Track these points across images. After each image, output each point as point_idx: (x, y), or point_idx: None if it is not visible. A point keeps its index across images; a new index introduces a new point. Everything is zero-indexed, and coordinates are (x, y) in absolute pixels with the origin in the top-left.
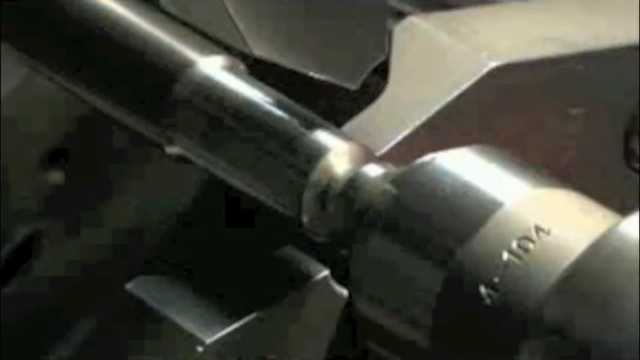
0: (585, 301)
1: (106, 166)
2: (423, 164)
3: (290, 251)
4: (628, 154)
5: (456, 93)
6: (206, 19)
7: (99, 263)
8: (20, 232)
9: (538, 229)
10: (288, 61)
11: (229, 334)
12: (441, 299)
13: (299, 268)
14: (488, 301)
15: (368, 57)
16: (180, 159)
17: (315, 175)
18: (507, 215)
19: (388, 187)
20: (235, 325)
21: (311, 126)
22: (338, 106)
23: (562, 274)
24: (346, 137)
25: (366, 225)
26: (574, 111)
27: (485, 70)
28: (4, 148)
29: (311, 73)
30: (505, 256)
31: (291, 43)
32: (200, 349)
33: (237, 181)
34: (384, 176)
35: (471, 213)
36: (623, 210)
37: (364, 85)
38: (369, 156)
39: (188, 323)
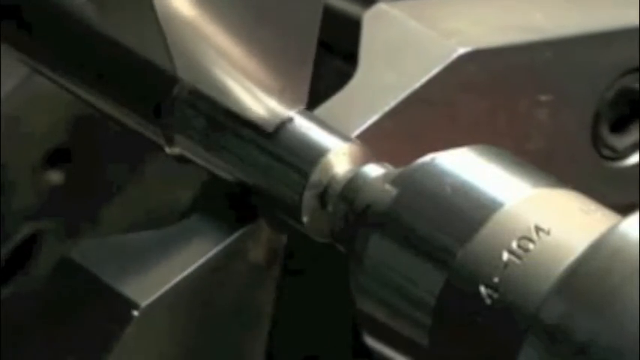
0: (585, 301)
1: (106, 166)
2: (423, 164)
3: (220, 202)
4: (596, 141)
5: (424, 79)
6: (138, 39)
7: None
8: (20, 232)
9: (538, 229)
10: (211, 90)
11: (165, 295)
12: (441, 299)
13: (231, 217)
14: (488, 301)
15: (286, 105)
16: (181, 158)
17: (315, 176)
18: (507, 215)
19: (388, 187)
20: (170, 284)
21: (310, 126)
22: (308, 92)
23: (562, 274)
24: (346, 137)
25: (366, 225)
26: (542, 97)
27: (453, 57)
28: (4, 148)
29: (230, 107)
30: (505, 256)
31: (216, 75)
32: (135, 313)
33: (237, 181)
34: (384, 176)
35: (471, 213)
36: (592, 197)
37: (333, 71)
38: (368, 156)
39: (122, 286)
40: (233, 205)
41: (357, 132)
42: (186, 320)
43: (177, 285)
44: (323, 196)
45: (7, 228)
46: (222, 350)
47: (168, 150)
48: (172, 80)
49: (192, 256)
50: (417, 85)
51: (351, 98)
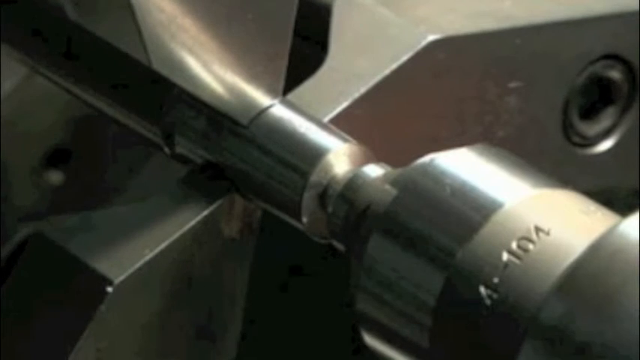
0: (585, 301)
1: (106, 166)
2: (422, 164)
3: (195, 174)
4: (566, 128)
5: (394, 66)
6: (114, 31)
7: None
8: (20, 232)
9: (538, 229)
10: (184, 82)
11: (139, 270)
12: (441, 299)
13: (204, 192)
14: (488, 302)
15: (261, 97)
16: (180, 159)
17: (315, 176)
18: (507, 216)
19: (388, 187)
20: (144, 260)
21: (310, 126)
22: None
23: (562, 275)
24: (345, 138)
25: (366, 225)
26: (512, 84)
27: (423, 44)
28: (4, 148)
29: (203, 99)
30: (505, 256)
31: (191, 67)
32: (109, 289)
33: (236, 181)
34: (384, 177)
35: (470, 213)
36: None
37: (304, 57)
38: (368, 156)
39: (96, 262)
40: (206, 179)
41: (327, 118)
42: (160, 296)
43: (151, 260)
44: (323, 196)
45: (7, 228)
46: (198, 325)
47: (167, 150)
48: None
49: (165, 231)
50: (386, 71)
51: (321, 85)
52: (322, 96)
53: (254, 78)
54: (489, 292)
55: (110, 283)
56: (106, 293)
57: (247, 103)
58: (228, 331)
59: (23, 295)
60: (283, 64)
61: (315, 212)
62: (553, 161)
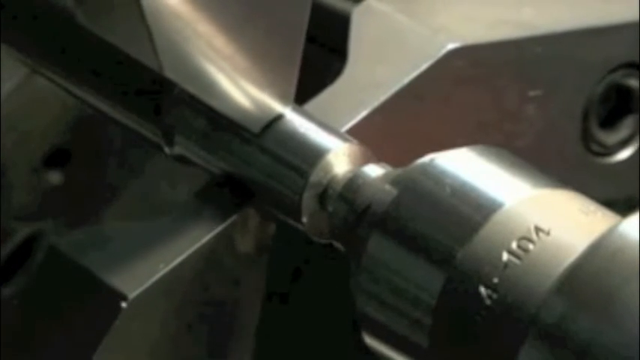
0: (585, 301)
1: (106, 166)
2: (422, 164)
3: (210, 188)
4: (585, 137)
5: (413, 74)
6: (125, 37)
7: None
8: (20, 233)
9: (538, 229)
10: (196, 90)
11: (153, 286)
12: (440, 299)
13: (220, 205)
14: (488, 302)
15: (272, 105)
16: (181, 159)
17: (315, 176)
18: (507, 216)
19: (388, 187)
20: (158, 275)
21: (310, 126)
22: (297, 87)
23: (562, 275)
24: (346, 138)
25: (366, 225)
26: (532, 93)
27: (442, 52)
28: (3, 148)
29: (217, 107)
30: (505, 256)
31: (202, 75)
32: (124, 304)
33: (237, 181)
34: (384, 177)
35: (470, 213)
36: (582, 193)
37: (323, 66)
38: (368, 156)
39: (111, 277)
40: (221, 193)
41: (346, 127)
42: (174, 311)
43: (165, 276)
44: (323, 196)
45: (6, 228)
46: (211, 341)
47: (168, 150)
48: (171, 81)
49: (180, 247)
50: (406, 80)
51: (340, 94)
52: (341, 105)
53: (266, 85)
54: (489, 292)
55: (125, 299)
56: (121, 308)
57: (259, 111)
58: (242, 346)
59: (37, 310)
60: (295, 70)
61: (315, 212)
62: (572, 170)
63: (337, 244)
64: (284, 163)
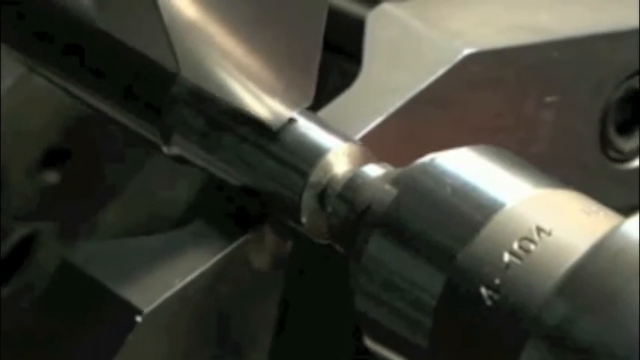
0: (587, 302)
1: (104, 166)
2: (423, 164)
3: (224, 207)
4: (603, 143)
5: (429, 80)
6: (141, 37)
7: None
8: (17, 233)
9: (539, 229)
10: (215, 89)
11: (168, 300)
12: (441, 300)
13: (236, 223)
14: (489, 303)
15: (293, 101)
16: (179, 159)
17: (314, 176)
18: (508, 216)
19: (388, 187)
20: (174, 290)
21: (310, 125)
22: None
23: (564, 276)
24: (345, 137)
25: (366, 225)
26: (548, 99)
27: (458, 57)
28: (1, 147)
29: (236, 104)
30: (506, 257)
31: (221, 73)
32: (139, 318)
33: (236, 181)
34: (384, 176)
35: (471, 213)
36: (599, 200)
37: (337, 71)
38: (368, 156)
39: (125, 291)
40: (237, 210)
41: (361, 133)
42: (189, 326)
43: (180, 291)
44: (322, 196)
45: (3, 228)
46: (224, 357)
47: (166, 150)
48: (171, 79)
49: (195, 262)
50: (422, 86)
51: (355, 99)
52: (356, 111)
53: (285, 83)
54: (490, 292)
55: (139, 313)
56: (135, 322)
57: (278, 109)
58: None
59: (49, 323)
60: (315, 67)
61: (315, 212)
62: (589, 176)
63: (337, 245)
64: (283, 163)
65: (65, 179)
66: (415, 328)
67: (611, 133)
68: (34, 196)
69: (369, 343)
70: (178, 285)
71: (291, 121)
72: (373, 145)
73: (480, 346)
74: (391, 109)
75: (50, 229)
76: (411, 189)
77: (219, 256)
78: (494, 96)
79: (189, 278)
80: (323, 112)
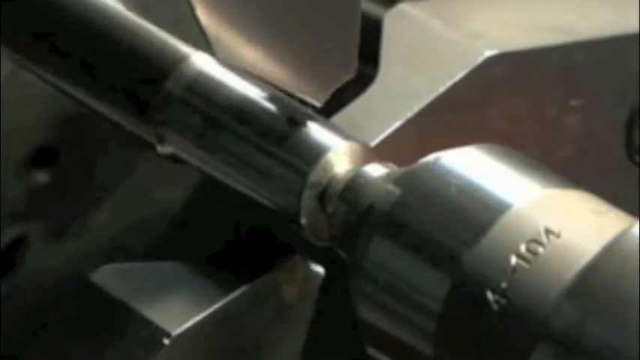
0: (597, 307)
1: (95, 165)
2: (427, 163)
3: (257, 230)
4: (629, 148)
5: (449, 83)
6: (171, 20)
7: (88, 268)
8: (6, 234)
9: (548, 231)
10: (252, 69)
11: (197, 325)
12: (446, 305)
13: (269, 249)
14: (495, 307)
15: (335, 74)
16: (173, 158)
17: (315, 175)
18: (516, 217)
19: (391, 187)
20: (203, 314)
21: (310, 124)
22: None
23: (573, 279)
24: (346, 135)
25: (368, 227)
26: (573, 102)
27: (480, 60)
28: None
29: (275, 84)
30: (513, 260)
31: (256, 50)
32: (166, 341)
33: (233, 181)
34: (387, 176)
35: (477, 214)
36: (624, 205)
37: (356, 74)
38: (370, 155)
39: (152, 313)
40: (269, 240)
41: (378, 139)
42: (214, 351)
43: (209, 317)
44: (322, 196)
45: None
46: None
47: (160, 149)
48: (165, 74)
49: (226, 288)
50: (441, 89)
51: (371, 103)
52: (373, 115)
53: (325, 56)
54: (497, 297)
55: (168, 336)
56: (163, 345)
57: (320, 84)
58: None
59: (72, 344)
60: (355, 36)
61: (314, 213)
62: (614, 182)
63: (337, 248)
64: (282, 162)
65: (55, 179)
66: (419, 334)
67: (637, 137)
68: (23, 196)
69: (371, 350)
70: (207, 310)
71: (291, 119)
72: (390, 151)
73: (486, 351)
74: (409, 114)
75: (40, 230)
76: (415, 189)
77: (250, 284)
78: (517, 99)
79: (219, 304)
80: (338, 117)
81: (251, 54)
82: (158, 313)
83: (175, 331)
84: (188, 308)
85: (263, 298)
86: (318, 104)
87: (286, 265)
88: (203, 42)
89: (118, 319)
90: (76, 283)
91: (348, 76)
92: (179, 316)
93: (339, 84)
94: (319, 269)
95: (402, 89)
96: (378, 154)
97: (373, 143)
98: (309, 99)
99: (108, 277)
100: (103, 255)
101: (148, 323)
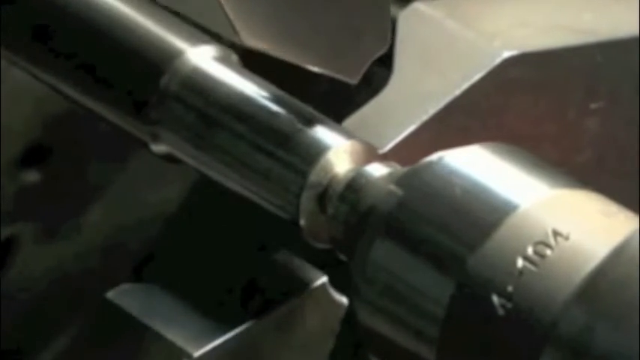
0: (607, 311)
1: (87, 164)
2: (430, 163)
3: (285, 256)
4: None
5: (465, 86)
6: (195, 7)
7: (79, 270)
8: None
9: (556, 233)
10: (281, 52)
11: (219, 347)
12: (449, 310)
13: (295, 275)
14: (501, 312)
15: (368, 49)
16: (168, 157)
17: (314, 175)
18: (522, 218)
19: (393, 187)
20: (225, 337)
21: (309, 122)
22: (337, 100)
23: (582, 282)
24: (347, 134)
25: (369, 229)
26: (593, 105)
27: (497, 61)
28: None
29: (307, 66)
30: (520, 262)
31: (285, 32)
32: None
33: (230, 181)
34: (389, 176)
35: (482, 216)
36: None
37: (366, 76)
38: (372, 154)
39: (173, 334)
40: (298, 264)
41: (392, 143)
42: None
43: (231, 338)
44: (322, 197)
45: None
46: None
47: (154, 148)
48: (159, 70)
49: (246, 313)
50: (457, 92)
51: (385, 106)
52: (386, 119)
53: (357, 33)
54: (503, 301)
55: (189, 357)
56: None
57: (354, 63)
58: None
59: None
60: (387, 8)
61: (314, 215)
62: (633, 187)
63: (337, 251)
64: (281, 162)
65: (46, 178)
66: (421, 340)
67: None
68: (14, 196)
69: (372, 356)
70: (230, 332)
71: (291, 117)
72: (404, 156)
73: (491, 358)
74: (424, 117)
75: (31, 230)
76: (418, 189)
77: (273, 310)
78: (535, 102)
79: (241, 327)
80: (350, 120)
81: (278, 36)
82: (178, 333)
83: (196, 353)
84: (210, 330)
85: (286, 325)
86: (353, 82)
87: (312, 292)
88: (228, 28)
89: (139, 339)
90: (67, 286)
91: (382, 50)
92: (200, 337)
93: (372, 59)
94: (343, 299)
95: (416, 91)
96: (390, 157)
97: (387, 148)
98: (342, 77)
99: (126, 296)
100: (96, 257)
101: (167, 343)
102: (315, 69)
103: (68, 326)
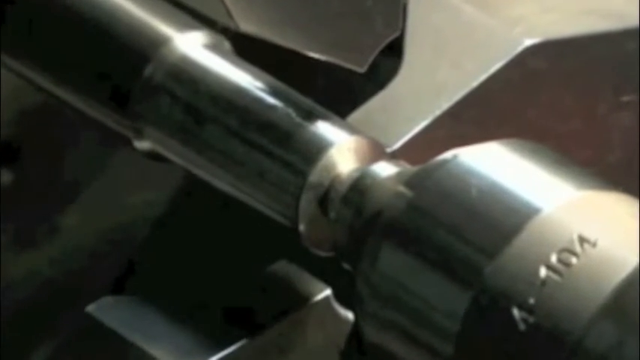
0: (636, 325)
1: (63, 163)
2: (443, 162)
3: (285, 267)
4: None
5: (483, 77)
6: None
7: (55, 277)
8: None
9: (582, 240)
10: (281, 39)
11: None
12: (465, 324)
13: (294, 286)
14: (522, 327)
15: (377, 34)
16: (152, 155)
17: (315, 175)
18: (545, 223)
19: (402, 189)
20: (218, 356)
21: (309, 116)
22: (341, 93)
23: (610, 294)
24: (352, 129)
25: (376, 235)
26: (625, 98)
27: (518, 49)
28: None
29: (310, 53)
30: (542, 272)
31: (285, 16)
32: None
33: (221, 182)
34: (397, 176)
35: (501, 220)
36: None
37: (373, 66)
38: (379, 152)
39: (159, 352)
40: (304, 279)
41: (401, 141)
42: None
43: (228, 356)
44: (324, 199)
45: None
46: None
47: (137, 145)
48: (143, 59)
49: (249, 327)
50: (474, 83)
51: (395, 100)
52: (396, 114)
53: (366, 15)
54: (524, 314)
55: None
56: None
57: (361, 47)
58: None
59: None
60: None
61: (315, 219)
62: None
63: (341, 259)
64: (277, 160)
65: (19, 178)
66: (434, 357)
67: None
68: None
69: None
70: (227, 349)
71: (288, 111)
72: (415, 155)
73: None
74: (437, 112)
75: (5, 234)
76: (429, 191)
77: (273, 325)
78: (561, 95)
79: (239, 343)
80: (355, 116)
81: (276, 20)
82: (164, 350)
83: None
84: (199, 348)
85: (285, 343)
86: (360, 70)
87: (313, 306)
88: (222, 11)
89: (121, 356)
90: (41, 295)
91: (392, 36)
92: (189, 356)
93: (382, 46)
94: (348, 314)
95: (428, 83)
96: (398, 156)
97: (395, 145)
98: (348, 65)
99: (107, 310)
100: (72, 263)
101: None
102: (317, 57)
103: (45, 341)
